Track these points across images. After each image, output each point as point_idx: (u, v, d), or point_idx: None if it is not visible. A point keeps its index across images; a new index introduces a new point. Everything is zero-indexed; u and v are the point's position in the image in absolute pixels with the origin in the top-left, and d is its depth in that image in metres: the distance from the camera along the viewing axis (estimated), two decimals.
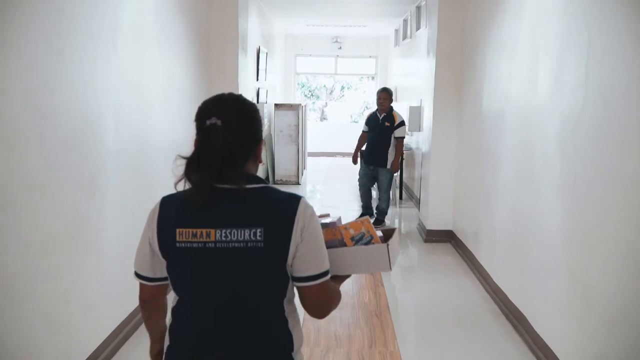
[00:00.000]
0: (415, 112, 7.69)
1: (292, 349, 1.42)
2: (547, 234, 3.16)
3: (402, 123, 6.25)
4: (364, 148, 6.55)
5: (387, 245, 1.61)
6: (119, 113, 3.18)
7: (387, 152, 6.22)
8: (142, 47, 3.54)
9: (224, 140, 1.32)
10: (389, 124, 6.21)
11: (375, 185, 6.54)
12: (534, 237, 3.38)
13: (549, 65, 3.21)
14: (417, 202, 7.53)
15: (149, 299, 1.52)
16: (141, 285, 1.50)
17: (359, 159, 6.64)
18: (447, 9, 5.42)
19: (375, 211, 6.54)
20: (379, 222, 6.44)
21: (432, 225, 5.76)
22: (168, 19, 4.05)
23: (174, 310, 1.44)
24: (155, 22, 3.77)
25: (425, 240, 5.77)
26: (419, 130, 7.60)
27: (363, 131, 6.56)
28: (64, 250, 2.62)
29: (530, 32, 3.56)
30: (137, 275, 1.48)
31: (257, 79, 7.99)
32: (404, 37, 9.56)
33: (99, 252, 2.97)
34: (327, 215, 1.74)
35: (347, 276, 1.62)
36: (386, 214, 6.52)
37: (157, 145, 3.80)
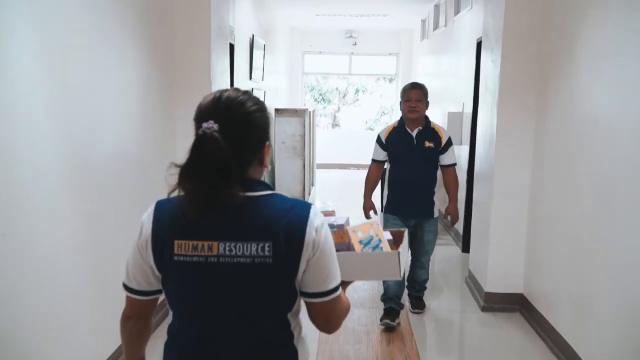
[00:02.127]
0: (456, 120, 5.98)
1: None
2: None
3: (451, 140, 3.72)
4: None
5: (399, 252, 1.54)
6: None
7: (434, 192, 3.74)
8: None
9: (219, 148, 1.17)
10: (431, 144, 3.62)
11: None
12: None
13: None
14: (458, 237, 5.78)
15: (135, 315, 1.35)
16: (129, 299, 1.34)
17: (376, 209, 3.89)
18: None
19: (408, 285, 3.91)
20: (419, 302, 3.98)
21: (493, 285, 3.98)
22: None
23: (170, 327, 1.33)
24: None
25: (484, 309, 4.01)
26: (460, 144, 5.90)
27: (376, 161, 3.80)
28: None
29: None
30: (126, 287, 1.32)
31: (251, 78, 6.27)
32: (435, 27, 7.83)
33: None
34: (332, 213, 1.62)
35: (352, 281, 1.51)
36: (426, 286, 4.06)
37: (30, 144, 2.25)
